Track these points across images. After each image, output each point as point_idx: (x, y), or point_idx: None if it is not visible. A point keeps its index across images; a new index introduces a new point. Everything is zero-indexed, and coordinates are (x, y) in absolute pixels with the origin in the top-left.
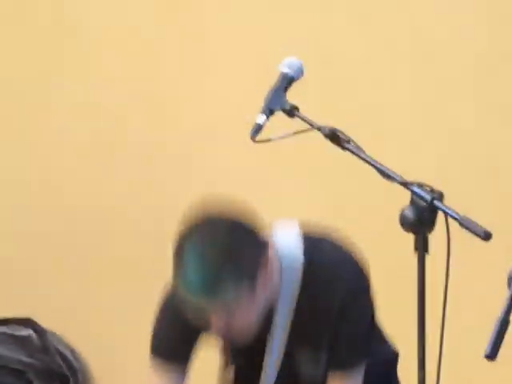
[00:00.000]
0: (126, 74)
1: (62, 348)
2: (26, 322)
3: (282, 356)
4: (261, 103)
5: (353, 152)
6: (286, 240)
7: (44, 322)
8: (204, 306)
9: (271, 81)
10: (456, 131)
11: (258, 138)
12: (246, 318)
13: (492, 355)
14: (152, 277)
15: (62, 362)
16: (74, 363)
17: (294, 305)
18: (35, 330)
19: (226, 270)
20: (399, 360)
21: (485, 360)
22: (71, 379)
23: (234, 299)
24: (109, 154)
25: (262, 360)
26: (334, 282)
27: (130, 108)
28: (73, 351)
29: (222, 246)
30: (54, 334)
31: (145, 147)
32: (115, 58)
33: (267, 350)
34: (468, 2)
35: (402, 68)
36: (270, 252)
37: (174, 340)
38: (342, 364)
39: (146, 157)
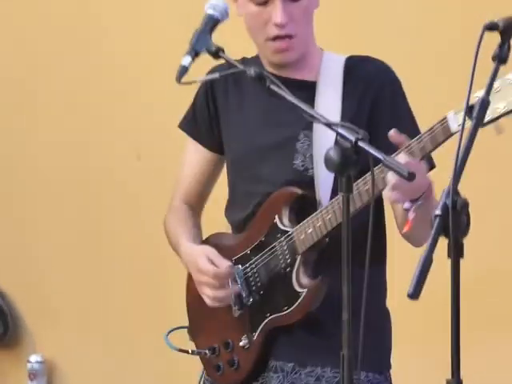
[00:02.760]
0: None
1: None
2: None
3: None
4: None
5: (277, 93)
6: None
7: None
8: None
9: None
10: None
11: (184, 79)
12: (303, 15)
13: (414, 294)
14: (81, 219)
15: None
16: (4, 307)
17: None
18: None
19: None
20: None
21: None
22: (0, 322)
23: None
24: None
25: None
26: (376, 64)
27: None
28: (2, 295)
29: None
30: None
31: None
32: None
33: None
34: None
35: None
36: None
37: (196, 119)
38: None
39: None
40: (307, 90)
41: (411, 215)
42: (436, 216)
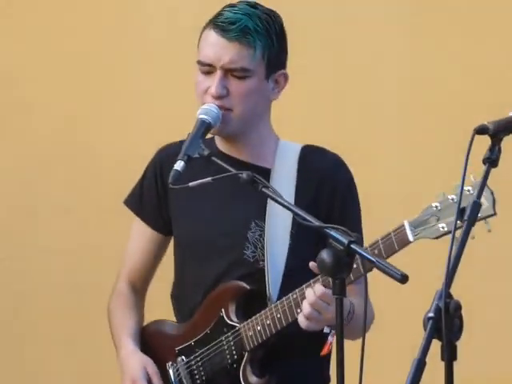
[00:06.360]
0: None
1: None
2: None
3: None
4: None
5: (269, 196)
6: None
7: None
8: (229, 39)
9: None
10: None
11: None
12: (243, 94)
13: None
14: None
15: None
16: None
17: (292, 180)
18: None
19: (266, 26)
20: None
21: None
22: None
23: (252, 54)
24: None
25: None
26: (332, 158)
27: None
28: None
29: (271, 13)
30: None
31: None
32: None
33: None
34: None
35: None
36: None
37: (143, 197)
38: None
39: None
40: (261, 177)
41: (330, 339)
42: (429, 318)
